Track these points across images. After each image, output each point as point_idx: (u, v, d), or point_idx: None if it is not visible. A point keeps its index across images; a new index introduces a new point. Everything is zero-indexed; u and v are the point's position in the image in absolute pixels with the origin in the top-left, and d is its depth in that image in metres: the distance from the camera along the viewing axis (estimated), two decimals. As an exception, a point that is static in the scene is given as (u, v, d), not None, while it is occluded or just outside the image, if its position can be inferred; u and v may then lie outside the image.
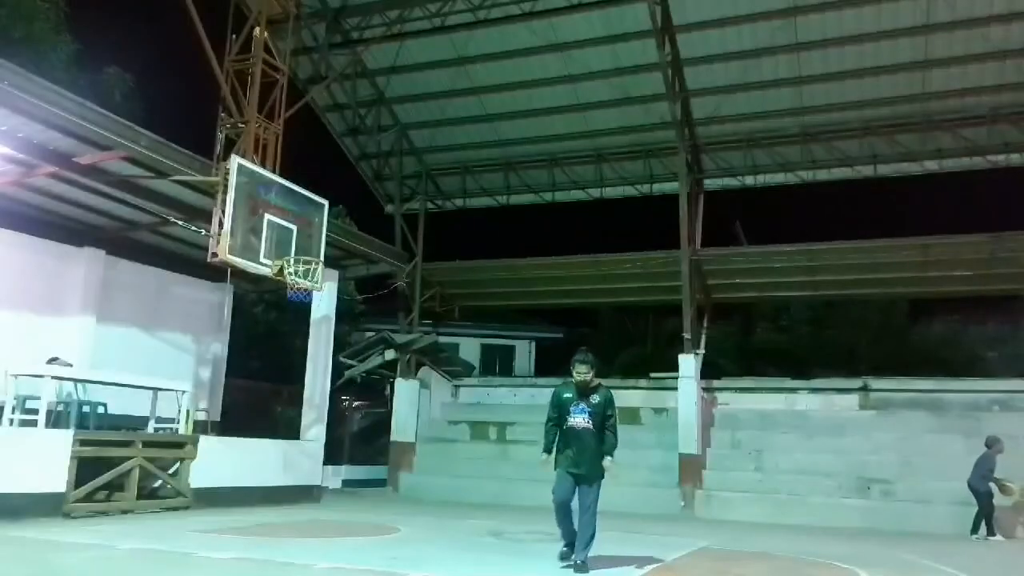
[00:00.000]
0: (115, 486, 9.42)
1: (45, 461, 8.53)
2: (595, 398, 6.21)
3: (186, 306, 14.11)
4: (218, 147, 10.52)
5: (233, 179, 9.68)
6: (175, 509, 9.92)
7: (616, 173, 17.83)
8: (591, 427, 6.15)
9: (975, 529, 11.19)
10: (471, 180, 18.96)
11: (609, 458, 6.16)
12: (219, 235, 9.62)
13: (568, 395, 6.24)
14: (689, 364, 14.81)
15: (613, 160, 17.66)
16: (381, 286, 18.02)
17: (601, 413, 6.19)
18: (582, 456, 6.13)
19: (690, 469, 14.29)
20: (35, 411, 9.23)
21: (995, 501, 11.21)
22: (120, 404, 10.93)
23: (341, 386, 17.66)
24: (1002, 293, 17.09)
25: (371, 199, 19.12)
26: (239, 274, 11.94)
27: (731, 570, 6.96)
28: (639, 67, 15.21)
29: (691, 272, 15.37)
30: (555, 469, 6.28)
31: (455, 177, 19.06)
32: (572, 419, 6.17)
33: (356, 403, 20.73)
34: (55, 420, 9.76)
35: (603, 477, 6.22)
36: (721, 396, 16.24)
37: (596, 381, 6.27)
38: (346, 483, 17.27)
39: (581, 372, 6.18)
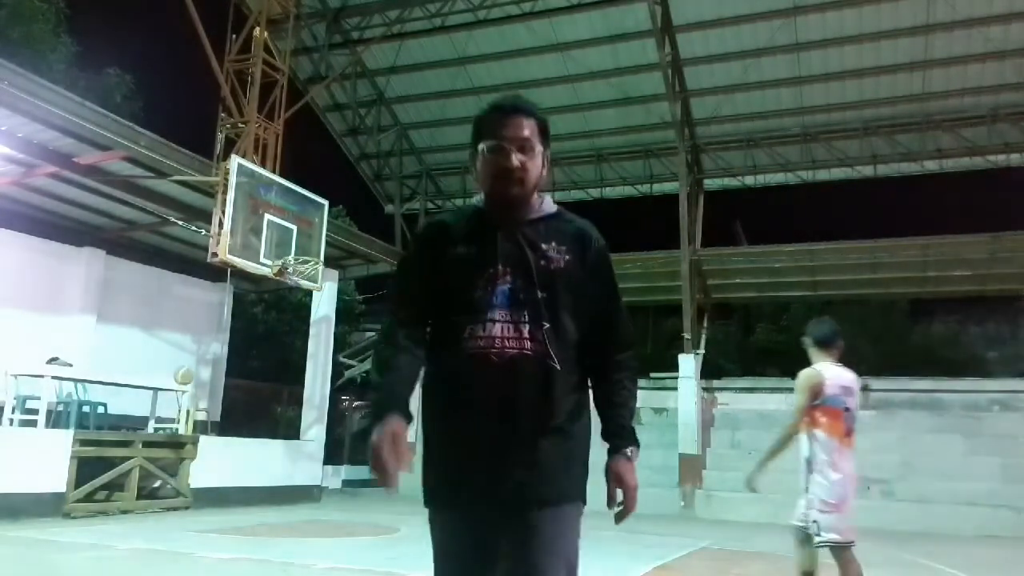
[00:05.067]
0: (115, 486, 9.42)
1: (45, 461, 8.53)
2: (558, 247, 1.93)
3: (186, 306, 14.11)
4: (218, 147, 10.54)
5: (233, 179, 9.69)
6: (175, 509, 9.92)
7: (616, 173, 17.82)
8: (548, 351, 1.84)
9: None
10: (471, 180, 18.95)
11: (629, 451, 1.99)
12: (219, 235, 9.62)
13: (463, 248, 1.93)
14: (689, 364, 14.82)
15: (613, 160, 17.66)
16: (381, 286, 18.02)
17: (572, 291, 1.90)
18: (514, 455, 1.82)
19: (690, 469, 14.29)
20: (35, 411, 9.23)
21: None
22: (120, 404, 10.93)
23: (341, 386, 17.66)
24: (1002, 293, 17.09)
25: (371, 199, 19.15)
26: (239, 274, 11.94)
27: (731, 570, 6.96)
28: (639, 67, 15.20)
29: (691, 272, 15.37)
30: (425, 499, 1.92)
31: (455, 177, 19.05)
32: (475, 324, 1.85)
33: (356, 403, 20.74)
34: (55, 420, 9.75)
35: (583, 498, 1.92)
36: (721, 396, 16.23)
37: (554, 207, 2.04)
38: (346, 483, 17.27)
39: (507, 119, 1.94)
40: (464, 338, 1.84)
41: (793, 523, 4.31)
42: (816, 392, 4.24)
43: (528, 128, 1.94)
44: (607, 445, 2.02)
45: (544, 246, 1.92)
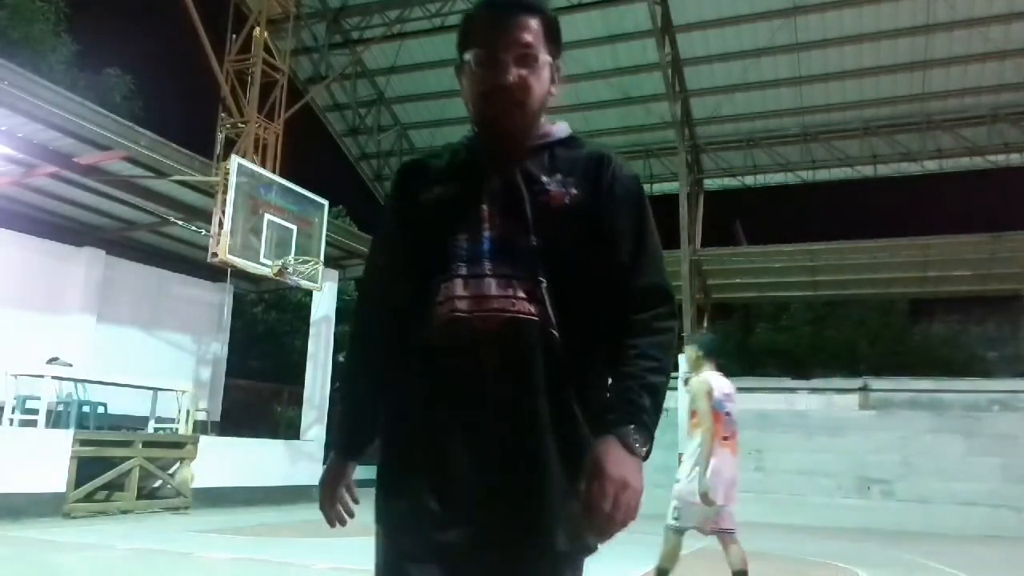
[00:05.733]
0: (115, 486, 9.42)
1: (45, 461, 8.52)
2: (564, 178, 1.43)
3: (186, 306, 14.11)
4: (218, 147, 10.55)
5: (233, 179, 9.69)
6: (175, 509, 9.92)
7: (616, 173, 17.83)
8: (548, 315, 1.35)
9: None
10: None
11: (628, 434, 1.29)
12: (219, 235, 9.62)
13: (441, 188, 1.46)
14: (689, 364, 14.81)
15: (613, 160, 17.66)
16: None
17: (580, 236, 1.40)
18: (514, 478, 1.31)
19: (690, 469, 14.28)
20: (35, 411, 9.23)
21: None
22: (120, 404, 10.93)
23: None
24: (1002, 293, 17.10)
25: (371, 199, 19.15)
26: (239, 274, 11.94)
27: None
28: (639, 67, 15.21)
29: (691, 272, 15.37)
30: (377, 530, 1.40)
31: (455, 177, 19.08)
32: (449, 282, 1.39)
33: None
34: (55, 420, 9.76)
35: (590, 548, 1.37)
36: (721, 396, 16.24)
37: (566, 131, 1.52)
38: (346, 483, 17.26)
39: (502, 19, 1.42)
40: (436, 302, 1.38)
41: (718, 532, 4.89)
42: (707, 396, 4.84)
43: (531, 31, 1.42)
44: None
45: (545, 179, 1.42)
